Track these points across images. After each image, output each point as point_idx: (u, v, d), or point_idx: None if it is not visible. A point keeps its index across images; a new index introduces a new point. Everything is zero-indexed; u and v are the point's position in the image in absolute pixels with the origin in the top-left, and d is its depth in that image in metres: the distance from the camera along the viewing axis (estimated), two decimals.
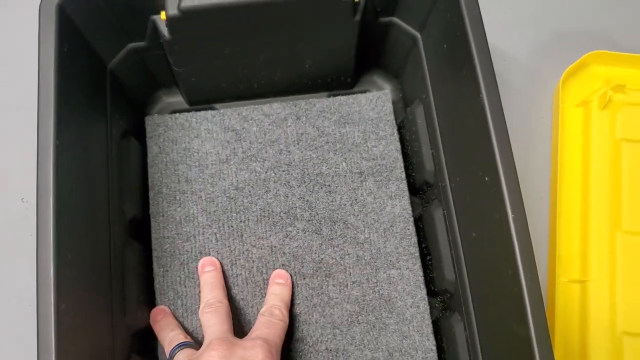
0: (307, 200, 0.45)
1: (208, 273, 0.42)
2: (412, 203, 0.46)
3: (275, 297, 0.41)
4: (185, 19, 0.39)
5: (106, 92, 0.42)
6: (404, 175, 0.46)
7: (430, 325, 0.43)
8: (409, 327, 0.43)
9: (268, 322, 0.39)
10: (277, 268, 0.44)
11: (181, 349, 0.38)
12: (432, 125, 0.43)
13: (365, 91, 0.50)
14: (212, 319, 0.39)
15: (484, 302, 0.37)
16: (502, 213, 0.33)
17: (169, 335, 0.40)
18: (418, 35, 0.44)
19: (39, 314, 0.31)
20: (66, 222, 0.33)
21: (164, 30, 0.40)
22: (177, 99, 0.50)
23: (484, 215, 0.36)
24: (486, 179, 0.35)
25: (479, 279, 0.38)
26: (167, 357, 0.39)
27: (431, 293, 0.45)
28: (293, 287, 0.43)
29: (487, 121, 0.34)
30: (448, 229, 0.42)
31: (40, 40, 0.35)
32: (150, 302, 0.43)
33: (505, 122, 0.34)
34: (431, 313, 0.44)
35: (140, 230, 0.44)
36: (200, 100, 0.49)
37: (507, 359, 0.35)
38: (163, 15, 0.39)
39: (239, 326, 0.43)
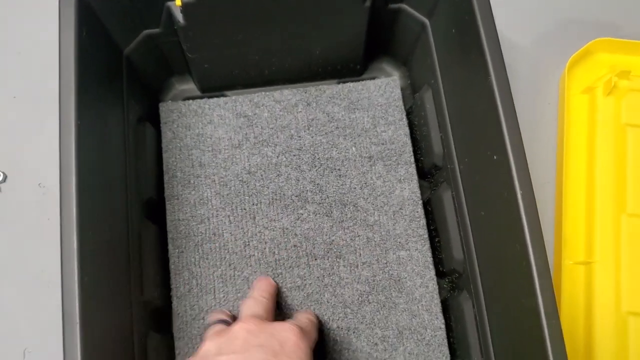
0: (318, 184, 0.46)
1: (263, 281, 0.43)
2: (420, 187, 0.47)
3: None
4: (199, 5, 0.40)
5: (122, 78, 0.43)
6: (412, 159, 0.47)
7: (439, 305, 0.44)
8: (418, 306, 0.44)
9: (301, 320, 0.40)
10: (288, 249, 0.45)
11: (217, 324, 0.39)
12: (441, 110, 0.44)
13: (374, 78, 0.51)
14: (253, 306, 0.39)
15: (492, 279, 0.38)
16: (510, 190, 0.34)
17: (215, 314, 0.41)
18: (427, 21, 0.45)
19: (63, 285, 0.32)
20: (87, 198, 0.34)
21: (179, 16, 0.41)
22: (189, 86, 0.51)
23: (493, 194, 0.37)
24: (495, 157, 0.36)
25: (487, 257, 0.39)
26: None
27: (440, 274, 0.46)
28: (304, 268, 0.44)
29: (496, 101, 0.35)
30: (457, 210, 0.43)
31: (61, 24, 0.36)
32: (165, 282, 0.44)
33: (512, 101, 0.35)
34: (440, 294, 0.45)
35: (156, 212, 0.45)
36: (213, 87, 0.50)
37: (516, 333, 0.36)
38: (178, 1, 0.40)
39: None
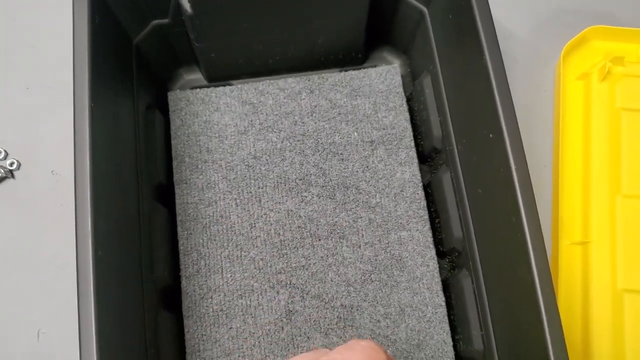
0: (321, 168, 0.48)
1: None
2: (421, 171, 0.49)
3: None
4: None
5: (133, 66, 0.45)
6: (413, 144, 0.49)
7: (440, 283, 0.46)
8: (419, 285, 0.45)
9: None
10: (293, 230, 0.46)
11: None
12: (439, 94, 0.45)
13: (375, 66, 0.52)
14: None
15: (490, 254, 0.40)
16: (505, 166, 0.36)
17: None
18: (425, 9, 0.46)
19: (78, 257, 0.33)
20: (100, 179, 0.36)
21: (186, 5, 0.43)
22: (197, 76, 0.52)
23: (489, 171, 0.38)
24: (490, 136, 0.37)
25: (485, 234, 0.40)
26: None
27: (440, 254, 0.47)
28: (309, 249, 0.46)
29: (490, 79, 0.36)
30: (455, 190, 0.44)
31: (75, 12, 0.38)
32: (174, 262, 0.46)
33: (506, 79, 0.36)
34: (440, 273, 0.46)
35: (165, 196, 0.47)
36: (219, 76, 0.51)
37: (512, 305, 0.37)
38: None
39: (261, 289, 0.45)
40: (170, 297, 0.45)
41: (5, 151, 0.51)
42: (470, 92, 0.41)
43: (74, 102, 0.36)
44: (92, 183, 0.35)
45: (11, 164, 0.51)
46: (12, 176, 0.51)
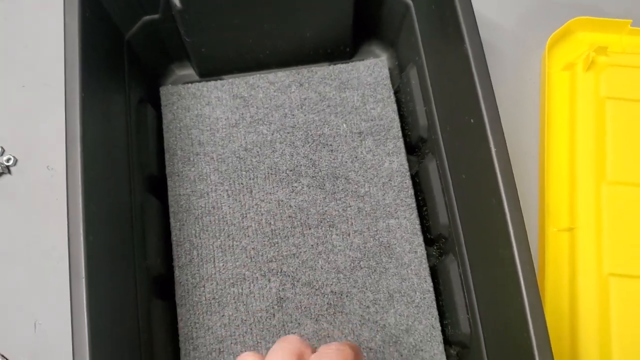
0: (311, 159, 0.49)
1: None
2: (409, 161, 0.50)
3: None
4: None
5: (124, 61, 0.46)
6: (400, 134, 0.50)
7: (427, 269, 0.46)
8: (407, 271, 0.46)
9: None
10: (284, 220, 0.47)
11: None
12: (425, 84, 0.46)
13: (363, 60, 0.53)
14: None
15: (474, 238, 0.41)
16: (486, 149, 0.37)
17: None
18: (410, 2, 0.47)
19: (70, 242, 0.34)
20: (91, 167, 0.37)
21: (176, 0, 0.44)
22: (188, 72, 0.53)
23: (471, 156, 0.39)
24: (472, 121, 0.38)
25: (469, 218, 0.41)
26: None
27: (428, 242, 0.48)
28: (299, 237, 0.47)
29: (471, 66, 0.37)
30: (441, 177, 0.45)
31: (66, 6, 0.39)
32: (167, 253, 0.47)
33: (487, 66, 0.37)
34: (428, 261, 0.47)
35: (157, 188, 0.48)
36: (210, 72, 0.53)
37: (496, 287, 0.38)
38: None
39: (252, 278, 0.46)
40: (163, 286, 0.46)
41: (1, 147, 0.52)
42: (452, 81, 0.41)
43: (65, 94, 0.37)
44: (83, 171, 0.36)
45: (8, 160, 0.52)
46: (9, 172, 0.52)
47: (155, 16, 0.47)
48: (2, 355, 0.47)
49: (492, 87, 0.37)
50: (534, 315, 0.33)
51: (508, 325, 0.36)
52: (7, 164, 0.52)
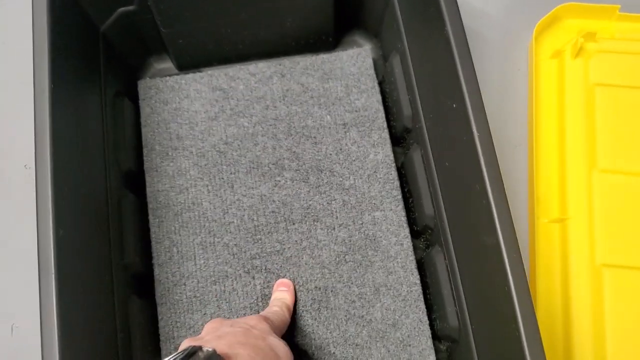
0: (294, 152, 0.47)
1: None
2: (394, 153, 0.48)
3: (278, 301, 0.42)
4: None
5: (100, 54, 0.45)
6: (385, 125, 0.48)
7: (414, 262, 0.45)
8: (393, 264, 0.45)
9: (268, 311, 0.41)
10: (267, 215, 0.46)
11: None
12: (408, 72, 0.45)
13: (346, 50, 0.52)
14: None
15: (459, 227, 0.39)
16: (469, 134, 0.35)
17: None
18: None
19: (39, 237, 0.33)
20: (62, 159, 0.36)
21: None
22: (167, 65, 0.52)
23: (455, 142, 0.38)
24: (454, 105, 0.37)
25: (453, 207, 0.40)
26: None
27: (415, 235, 0.47)
28: (283, 233, 0.45)
29: (452, 49, 0.36)
30: (426, 167, 0.44)
31: None
32: (146, 250, 0.45)
33: (469, 49, 0.36)
34: (415, 254, 0.46)
35: (135, 184, 0.47)
36: (189, 64, 0.51)
37: (482, 276, 0.37)
38: None
39: (235, 275, 0.45)
40: (142, 284, 0.44)
41: None
42: (435, 66, 0.40)
43: (34, 86, 0.36)
44: (53, 165, 0.35)
45: None
46: None
47: (131, 7, 0.46)
48: None
49: (474, 70, 0.36)
50: (521, 301, 0.32)
51: (496, 315, 0.35)
52: None
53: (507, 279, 0.33)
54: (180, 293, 0.44)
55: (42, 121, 0.35)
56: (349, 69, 0.50)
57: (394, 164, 0.47)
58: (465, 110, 0.35)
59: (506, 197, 0.34)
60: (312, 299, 0.44)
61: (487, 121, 0.35)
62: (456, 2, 0.38)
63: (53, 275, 0.33)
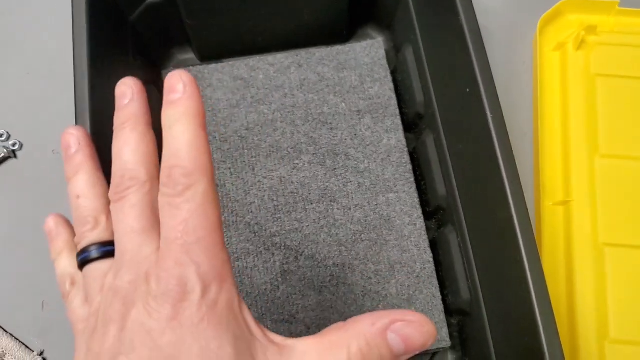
0: (311, 137, 0.50)
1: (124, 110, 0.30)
2: (406, 139, 0.51)
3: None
4: None
5: (129, 44, 0.47)
6: (397, 112, 0.51)
7: (427, 241, 0.47)
8: (407, 242, 0.47)
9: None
10: (286, 196, 0.48)
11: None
12: (421, 61, 0.48)
13: (360, 42, 0.55)
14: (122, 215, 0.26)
15: (472, 204, 0.42)
16: (481, 117, 0.38)
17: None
18: None
19: None
20: (99, 138, 0.38)
21: None
22: (189, 56, 0.55)
23: (468, 125, 0.41)
24: (467, 90, 0.40)
25: (466, 186, 0.42)
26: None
27: (427, 216, 0.49)
28: (302, 212, 0.48)
29: (465, 36, 0.39)
30: (438, 149, 0.46)
31: None
32: None
33: (481, 35, 0.39)
34: (428, 234, 0.48)
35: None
36: (211, 55, 0.54)
37: (494, 249, 0.39)
38: None
39: (257, 252, 0.47)
40: None
41: (7, 133, 0.53)
42: (448, 53, 0.43)
43: (75, 71, 0.39)
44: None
45: (13, 145, 0.53)
46: (15, 156, 0.53)
47: (158, 0, 0.48)
48: (11, 335, 0.48)
49: (486, 56, 0.38)
50: (533, 270, 0.35)
51: (507, 286, 0.38)
52: (13, 148, 0.53)
53: (519, 249, 0.35)
54: None
55: (82, 101, 0.38)
56: (363, 60, 0.53)
57: (406, 149, 0.50)
58: (479, 94, 0.38)
59: (518, 172, 0.36)
60: (330, 275, 0.46)
61: (500, 103, 0.37)
62: None
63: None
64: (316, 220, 0.48)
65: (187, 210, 0.24)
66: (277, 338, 0.25)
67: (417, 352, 0.25)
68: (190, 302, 0.22)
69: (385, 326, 0.24)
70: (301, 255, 0.47)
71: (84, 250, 0.28)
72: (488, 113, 0.38)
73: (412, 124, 0.52)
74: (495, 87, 0.38)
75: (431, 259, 0.47)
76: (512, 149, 0.37)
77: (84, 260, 0.28)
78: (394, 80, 0.53)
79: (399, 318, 0.25)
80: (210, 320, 0.23)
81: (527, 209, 0.35)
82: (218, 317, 0.23)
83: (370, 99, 0.51)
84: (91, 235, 0.28)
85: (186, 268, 0.23)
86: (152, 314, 0.23)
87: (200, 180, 0.24)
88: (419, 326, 0.25)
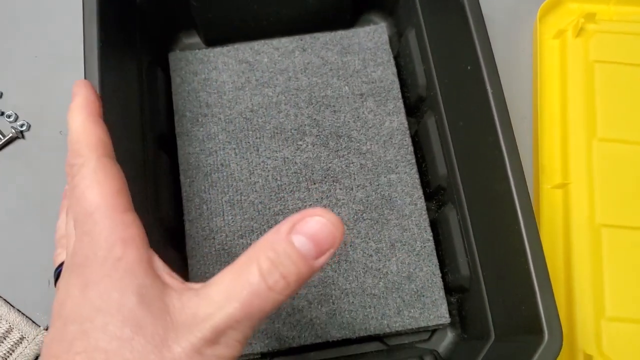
0: (315, 119, 0.51)
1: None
2: (408, 123, 0.52)
3: None
4: None
5: (136, 25, 0.48)
6: (400, 95, 0.52)
7: (427, 220, 0.48)
8: (408, 222, 0.48)
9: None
10: (290, 176, 0.49)
11: None
12: (423, 44, 0.49)
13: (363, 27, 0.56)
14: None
15: (472, 180, 0.43)
16: (482, 92, 0.39)
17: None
18: None
19: None
20: (108, 117, 0.39)
21: None
22: (195, 40, 0.56)
23: (468, 102, 0.42)
24: (468, 68, 0.40)
25: (466, 163, 0.43)
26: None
27: (427, 197, 0.50)
28: (304, 192, 0.49)
29: (467, 16, 0.40)
30: (439, 129, 0.47)
31: None
32: (178, 207, 0.49)
33: (482, 15, 0.40)
34: (428, 215, 0.49)
35: (168, 146, 0.50)
36: (216, 39, 0.55)
37: (493, 222, 0.40)
38: None
39: (260, 230, 0.48)
40: (174, 239, 0.48)
41: (15, 114, 0.54)
42: (449, 36, 0.44)
43: (84, 51, 0.39)
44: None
45: (21, 126, 0.53)
46: (23, 137, 0.54)
47: None
48: (19, 310, 0.49)
49: (487, 34, 0.39)
50: (532, 242, 0.35)
51: (506, 257, 0.39)
52: (21, 129, 0.53)
53: (517, 220, 0.36)
54: (209, 246, 0.47)
55: (91, 81, 0.39)
56: (366, 44, 0.54)
57: (408, 131, 0.51)
58: (480, 70, 0.39)
59: (517, 146, 0.37)
60: None
61: (500, 80, 0.38)
62: None
63: None
64: (319, 200, 0.49)
65: (82, 186, 0.26)
66: (197, 285, 0.26)
67: (331, 251, 0.25)
68: (93, 264, 0.25)
69: (288, 229, 0.24)
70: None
71: (57, 268, 0.34)
72: (488, 88, 0.38)
73: (414, 108, 0.53)
74: (495, 65, 0.39)
75: (431, 238, 0.48)
76: (510, 122, 0.38)
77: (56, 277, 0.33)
78: (397, 65, 0.54)
79: (299, 219, 0.25)
80: (112, 276, 0.24)
81: (525, 179, 0.36)
82: (122, 272, 0.24)
83: (372, 82, 0.52)
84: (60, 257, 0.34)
85: (89, 236, 0.25)
86: (69, 283, 0.25)
87: (90, 156, 0.27)
88: (322, 221, 0.24)
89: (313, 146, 0.50)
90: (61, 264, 0.31)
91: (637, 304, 0.48)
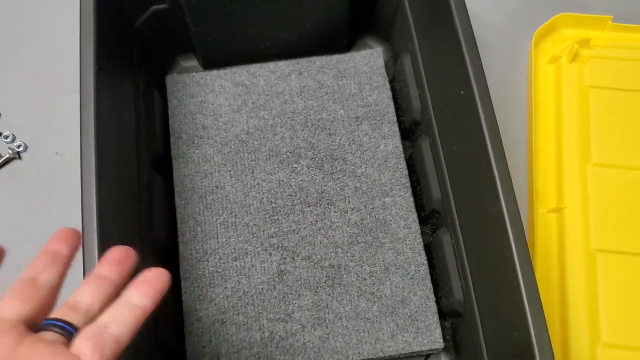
0: (310, 142, 0.51)
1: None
2: (403, 146, 0.52)
3: None
4: None
5: (134, 48, 0.49)
6: (395, 119, 0.52)
7: (422, 244, 0.48)
8: (402, 245, 0.48)
9: None
10: (284, 198, 0.49)
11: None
12: (418, 68, 0.49)
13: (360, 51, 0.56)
14: None
15: (465, 204, 0.43)
16: (474, 117, 0.39)
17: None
18: None
19: (83, 204, 0.36)
20: (104, 143, 0.39)
21: None
22: (192, 63, 0.56)
23: (462, 127, 0.42)
24: (462, 92, 0.41)
25: (460, 187, 0.43)
26: None
27: (422, 221, 0.50)
28: (299, 214, 0.49)
29: (460, 42, 0.40)
30: (434, 154, 0.47)
31: None
32: (172, 228, 0.49)
33: (475, 40, 0.40)
34: (423, 239, 0.49)
35: (163, 168, 0.50)
36: (214, 62, 0.55)
37: (486, 247, 0.40)
38: None
39: (254, 252, 0.48)
40: (168, 260, 0.48)
41: (12, 134, 0.54)
42: (443, 59, 0.44)
43: (80, 73, 0.40)
44: (97, 149, 0.38)
45: (18, 146, 0.54)
46: (19, 157, 0.54)
47: (164, 6, 0.50)
48: None
49: (480, 59, 0.40)
50: (524, 268, 0.35)
51: (499, 285, 0.38)
52: (18, 150, 0.54)
53: (509, 244, 0.36)
54: (203, 268, 0.47)
55: (87, 102, 0.39)
56: (362, 68, 0.54)
57: (402, 155, 0.51)
58: (472, 95, 0.39)
59: (508, 169, 0.37)
60: (326, 275, 0.47)
61: (492, 104, 0.39)
62: (464, 2, 0.42)
63: (96, 234, 0.36)
64: (313, 222, 0.49)
65: None
66: None
67: None
68: None
69: None
70: (298, 256, 0.48)
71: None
72: (481, 113, 0.39)
73: (408, 132, 0.53)
74: (487, 89, 0.39)
75: (425, 262, 0.48)
76: (503, 146, 0.38)
77: None
78: (392, 90, 0.54)
79: None
80: None
81: (516, 202, 0.36)
82: None
83: (368, 106, 0.53)
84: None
85: None
86: None
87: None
88: None
89: (308, 169, 0.50)
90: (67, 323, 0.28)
91: (633, 331, 0.47)
